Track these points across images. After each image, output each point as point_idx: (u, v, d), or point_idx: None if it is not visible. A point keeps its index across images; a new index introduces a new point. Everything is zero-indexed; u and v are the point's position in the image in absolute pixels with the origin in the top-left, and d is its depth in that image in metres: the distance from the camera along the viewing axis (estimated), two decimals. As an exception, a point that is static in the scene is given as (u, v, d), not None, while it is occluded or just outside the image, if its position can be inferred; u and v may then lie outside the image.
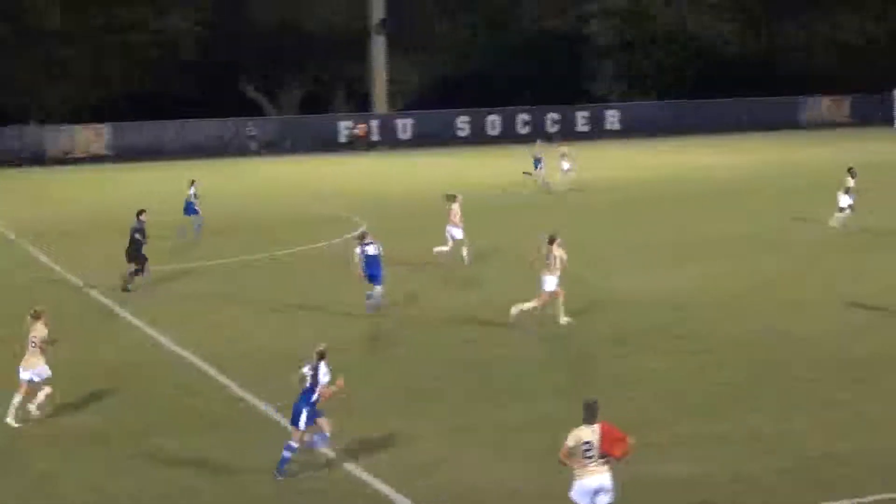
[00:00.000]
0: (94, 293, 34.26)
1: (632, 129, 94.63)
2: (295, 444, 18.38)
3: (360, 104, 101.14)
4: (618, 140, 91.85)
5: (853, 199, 42.05)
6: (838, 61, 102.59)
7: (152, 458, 19.71)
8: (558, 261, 27.49)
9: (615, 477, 15.22)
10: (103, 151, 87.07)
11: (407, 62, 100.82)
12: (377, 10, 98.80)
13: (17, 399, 21.60)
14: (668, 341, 26.61)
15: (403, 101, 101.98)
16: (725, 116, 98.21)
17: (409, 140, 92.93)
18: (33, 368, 21.64)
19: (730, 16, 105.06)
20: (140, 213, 35.31)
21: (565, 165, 58.04)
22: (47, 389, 21.73)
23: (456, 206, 36.88)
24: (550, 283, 27.53)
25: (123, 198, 56.56)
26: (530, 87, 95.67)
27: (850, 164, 44.58)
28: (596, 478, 15.02)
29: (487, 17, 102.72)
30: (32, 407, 21.73)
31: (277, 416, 21.26)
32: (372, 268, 29.92)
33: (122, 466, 19.46)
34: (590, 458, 15.02)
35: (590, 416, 15.21)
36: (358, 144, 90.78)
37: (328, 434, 18.83)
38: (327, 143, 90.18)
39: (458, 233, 36.73)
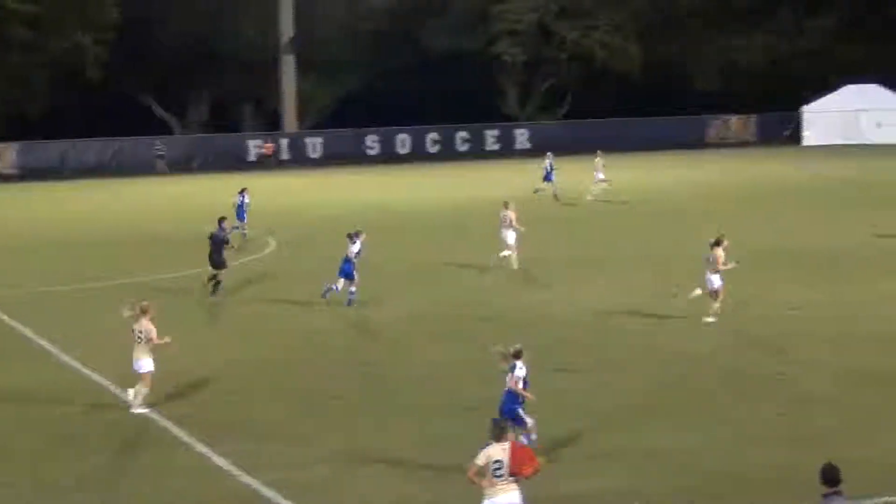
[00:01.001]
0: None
1: (542, 148, 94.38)
2: (525, 441, 18.58)
3: (270, 123, 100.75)
4: (529, 158, 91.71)
5: None
6: (745, 80, 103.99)
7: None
8: (721, 261, 29.42)
9: (523, 494, 15.07)
10: (9, 171, 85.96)
11: (316, 80, 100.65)
12: (286, 29, 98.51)
13: (133, 389, 22.89)
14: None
15: (313, 120, 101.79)
16: (632, 135, 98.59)
17: (319, 159, 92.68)
18: (137, 361, 22.82)
19: (635, 36, 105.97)
20: (221, 220, 35.92)
21: (599, 175, 58.78)
22: (142, 387, 22.70)
23: (510, 213, 38.02)
24: (715, 280, 29.40)
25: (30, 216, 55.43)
26: (441, 105, 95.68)
27: None
28: (506, 496, 14.90)
29: (399, 34, 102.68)
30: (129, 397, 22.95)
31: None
32: (343, 263, 32.37)
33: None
34: (500, 476, 14.90)
35: (499, 434, 15.12)
36: (267, 163, 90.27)
37: (534, 436, 19.20)
38: (236, 162, 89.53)
39: (511, 237, 37.82)
